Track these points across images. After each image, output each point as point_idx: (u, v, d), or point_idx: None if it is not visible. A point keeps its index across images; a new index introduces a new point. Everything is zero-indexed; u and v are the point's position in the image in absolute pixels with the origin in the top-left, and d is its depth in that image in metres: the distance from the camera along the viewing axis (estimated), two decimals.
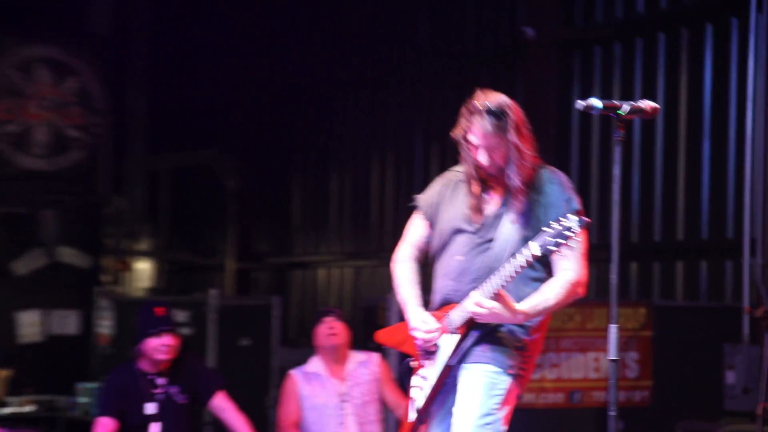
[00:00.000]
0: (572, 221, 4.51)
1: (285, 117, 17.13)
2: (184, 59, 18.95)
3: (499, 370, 4.90)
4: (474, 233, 4.98)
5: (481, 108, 4.82)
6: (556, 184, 4.94)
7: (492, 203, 4.99)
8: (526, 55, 12.91)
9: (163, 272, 18.39)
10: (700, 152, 11.77)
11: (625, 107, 4.60)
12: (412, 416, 5.15)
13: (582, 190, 12.74)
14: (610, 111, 4.59)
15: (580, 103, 4.60)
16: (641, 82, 12.28)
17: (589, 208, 12.66)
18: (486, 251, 4.93)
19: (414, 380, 5.16)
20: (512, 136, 4.83)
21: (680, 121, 11.95)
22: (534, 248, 4.58)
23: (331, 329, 7.56)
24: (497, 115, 4.80)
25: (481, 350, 4.92)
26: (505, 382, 4.91)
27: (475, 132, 4.85)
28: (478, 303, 4.71)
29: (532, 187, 4.92)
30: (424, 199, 5.24)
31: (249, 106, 17.40)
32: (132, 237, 18.29)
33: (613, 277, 4.57)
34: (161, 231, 18.41)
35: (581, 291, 4.92)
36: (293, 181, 16.88)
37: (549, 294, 4.85)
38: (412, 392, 5.16)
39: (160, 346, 7.12)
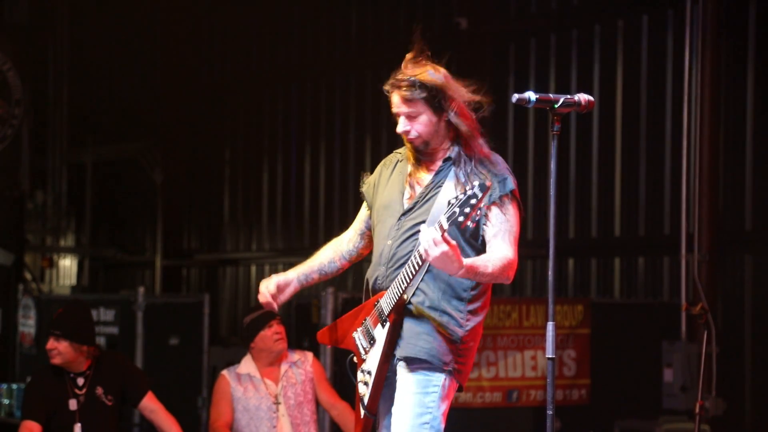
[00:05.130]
0: (475, 188, 4.43)
1: (214, 110, 16.95)
2: (108, 50, 18.69)
3: (434, 366, 4.80)
4: (404, 215, 4.91)
5: (398, 78, 4.83)
6: (489, 164, 4.86)
7: (426, 181, 4.92)
8: (460, 47, 12.81)
9: (88, 269, 18.12)
10: (637, 146, 11.76)
11: (560, 101, 4.58)
12: (363, 412, 5.07)
13: (518, 185, 12.67)
14: (545, 105, 4.58)
15: (514, 97, 4.59)
16: (577, 73, 12.22)
17: (525, 203, 12.54)
18: (414, 236, 4.82)
19: (359, 375, 5.08)
20: (438, 108, 4.81)
21: (616, 114, 11.94)
22: (443, 221, 4.48)
23: (278, 334, 7.43)
24: (413, 85, 4.80)
25: (415, 345, 4.82)
26: (440, 378, 4.82)
27: (394, 103, 4.87)
28: (435, 240, 4.49)
29: (471, 163, 4.86)
30: (367, 181, 5.19)
31: (177, 98, 17.18)
32: (56, 233, 17.99)
33: (551, 273, 4.55)
34: (86, 227, 18.13)
35: (511, 275, 4.78)
36: (223, 176, 16.71)
37: (489, 262, 4.71)
38: (360, 388, 5.07)
39: (47, 348, 6.98)
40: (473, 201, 4.43)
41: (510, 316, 9.69)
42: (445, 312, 4.81)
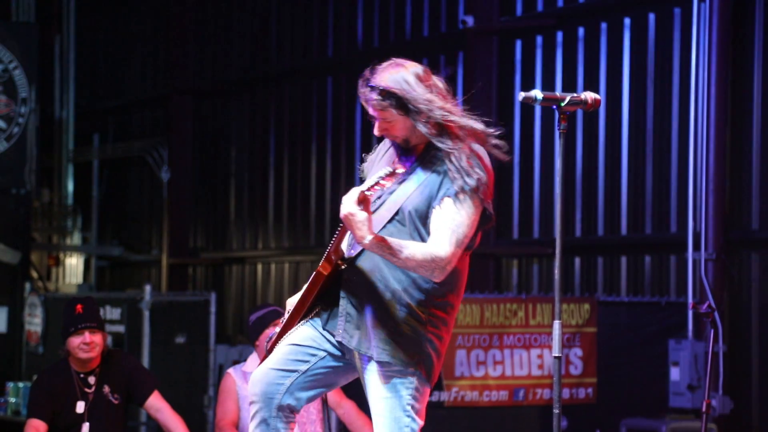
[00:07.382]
0: (391, 169, 4.47)
1: (221, 108, 16.94)
2: (114, 48, 18.70)
3: (402, 367, 4.71)
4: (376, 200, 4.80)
5: (366, 83, 4.71)
6: (459, 158, 4.65)
7: (403, 169, 4.74)
8: (466, 45, 12.81)
9: (94, 268, 18.13)
10: (644, 145, 11.73)
11: (567, 99, 4.58)
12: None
13: (524, 184, 12.68)
14: (551, 103, 4.58)
15: (521, 95, 4.57)
16: (583, 71, 12.20)
17: (530, 201, 12.58)
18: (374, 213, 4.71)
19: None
20: (409, 110, 4.66)
21: (623, 113, 11.91)
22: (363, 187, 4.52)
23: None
24: (375, 93, 4.67)
25: (377, 347, 4.73)
26: (412, 378, 4.73)
27: (365, 104, 4.78)
28: (347, 200, 4.53)
29: (442, 157, 4.68)
30: (367, 159, 5.09)
31: (184, 97, 17.18)
32: (62, 231, 18.01)
33: (557, 272, 4.54)
34: (92, 225, 18.13)
35: (438, 274, 4.61)
36: (229, 174, 16.70)
37: (406, 248, 4.58)
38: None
39: (81, 344, 7.01)
40: (375, 180, 4.45)
41: (516, 315, 9.67)
42: (406, 306, 4.69)
